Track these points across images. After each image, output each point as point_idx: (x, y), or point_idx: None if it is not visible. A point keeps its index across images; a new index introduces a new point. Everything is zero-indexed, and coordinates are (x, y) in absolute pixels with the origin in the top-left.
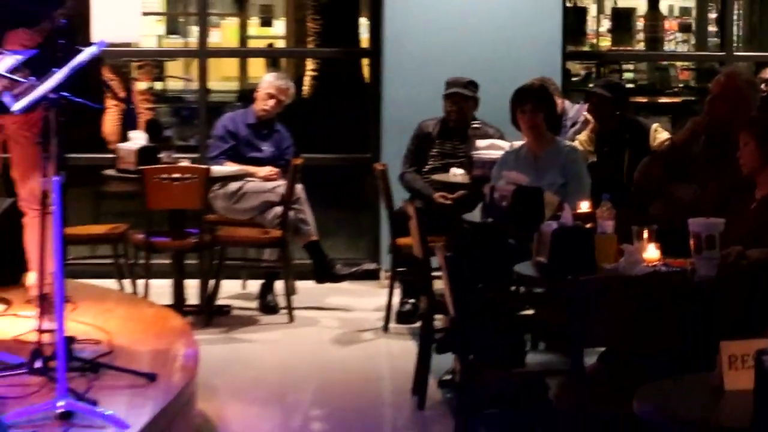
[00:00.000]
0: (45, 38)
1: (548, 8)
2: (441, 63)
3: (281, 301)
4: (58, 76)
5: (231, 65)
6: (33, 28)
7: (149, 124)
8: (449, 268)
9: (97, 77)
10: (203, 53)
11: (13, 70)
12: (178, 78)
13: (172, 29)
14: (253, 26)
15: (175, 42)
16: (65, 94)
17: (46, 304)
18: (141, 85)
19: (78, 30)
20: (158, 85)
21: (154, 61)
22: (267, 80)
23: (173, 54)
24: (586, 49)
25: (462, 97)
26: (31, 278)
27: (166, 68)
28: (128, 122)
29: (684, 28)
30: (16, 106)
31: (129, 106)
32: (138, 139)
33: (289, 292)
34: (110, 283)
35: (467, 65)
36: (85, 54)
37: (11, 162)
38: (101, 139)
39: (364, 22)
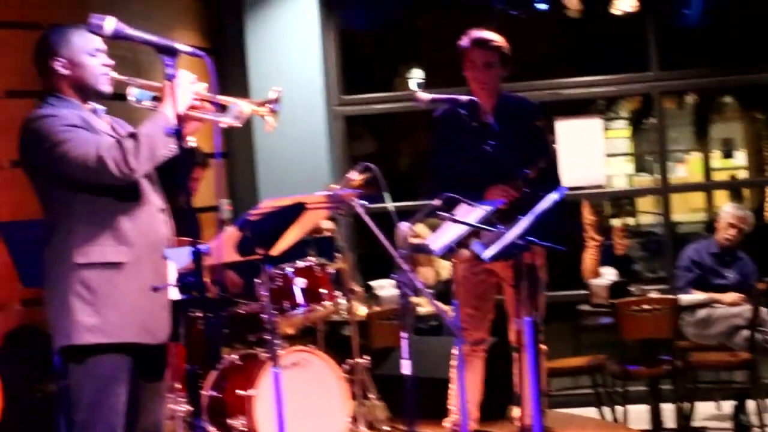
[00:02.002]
0: (520, 191)
1: None
2: None
3: (754, 420)
4: (524, 223)
5: (697, 197)
6: (509, 182)
7: (619, 259)
8: None
9: (575, 219)
10: (665, 189)
11: (483, 220)
12: (649, 213)
13: (641, 167)
14: (716, 159)
15: (643, 179)
16: (532, 239)
17: None
18: (616, 222)
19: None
20: (631, 221)
21: (627, 199)
22: (727, 211)
23: (638, 193)
24: None
25: None
26: (516, 411)
27: (638, 204)
28: (605, 258)
29: None
30: (486, 253)
31: (606, 243)
32: (609, 274)
33: (761, 410)
34: (590, 411)
35: None
36: (548, 201)
37: (505, 301)
38: (578, 275)
39: None
